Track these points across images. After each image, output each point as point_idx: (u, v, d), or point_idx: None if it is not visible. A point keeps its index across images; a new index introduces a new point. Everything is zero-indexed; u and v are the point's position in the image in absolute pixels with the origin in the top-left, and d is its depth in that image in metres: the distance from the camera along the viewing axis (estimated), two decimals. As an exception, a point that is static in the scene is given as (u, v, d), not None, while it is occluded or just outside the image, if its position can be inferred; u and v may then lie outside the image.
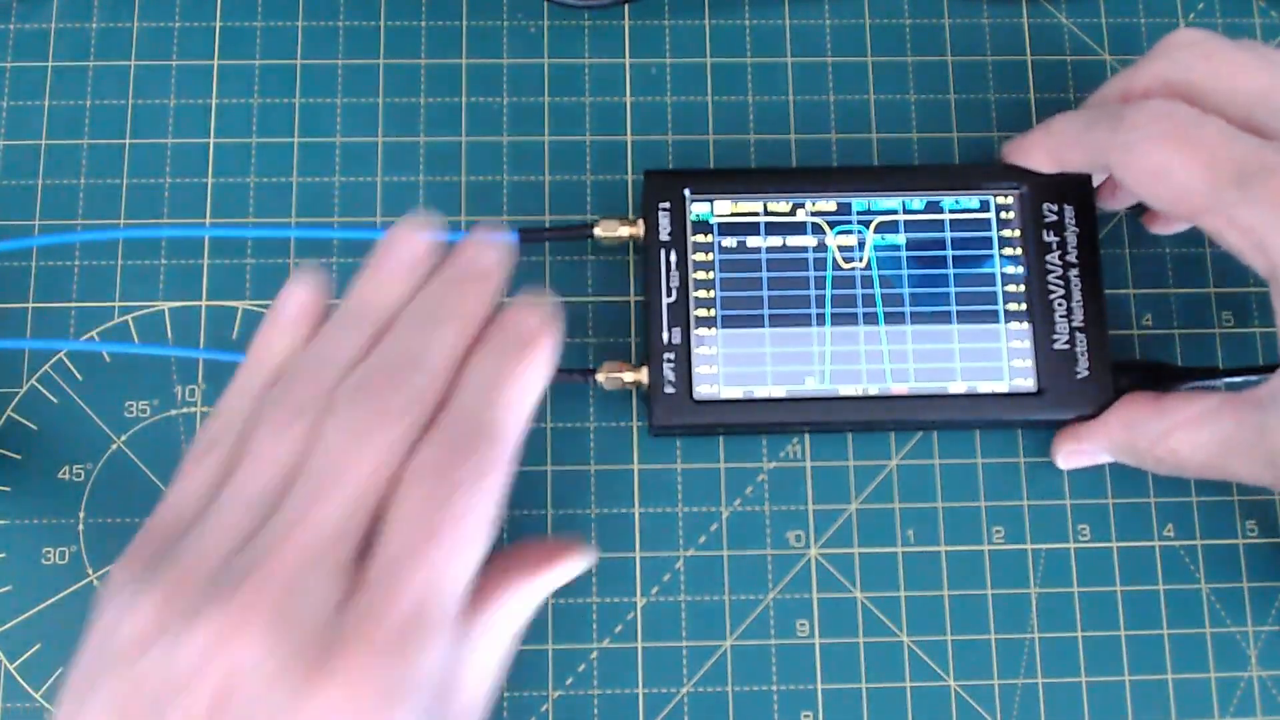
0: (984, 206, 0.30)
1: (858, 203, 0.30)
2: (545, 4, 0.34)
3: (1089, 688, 0.31)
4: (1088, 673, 0.31)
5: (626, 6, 0.34)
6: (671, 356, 0.29)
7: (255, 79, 0.33)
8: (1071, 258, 0.30)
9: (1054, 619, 0.31)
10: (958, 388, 0.30)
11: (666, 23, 0.34)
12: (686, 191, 0.30)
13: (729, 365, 0.29)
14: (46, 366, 0.32)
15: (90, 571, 0.31)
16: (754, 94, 0.34)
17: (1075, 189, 0.30)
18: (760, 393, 0.29)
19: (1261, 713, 0.31)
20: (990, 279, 0.30)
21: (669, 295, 0.29)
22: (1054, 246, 0.30)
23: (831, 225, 0.30)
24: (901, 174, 0.31)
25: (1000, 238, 0.30)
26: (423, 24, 0.34)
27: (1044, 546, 0.32)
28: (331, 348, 0.24)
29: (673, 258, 0.29)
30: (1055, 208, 0.30)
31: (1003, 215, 0.30)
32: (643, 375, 0.29)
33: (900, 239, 0.30)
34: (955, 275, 0.30)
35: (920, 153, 0.33)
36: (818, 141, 0.33)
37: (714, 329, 0.29)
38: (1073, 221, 0.30)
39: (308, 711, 0.19)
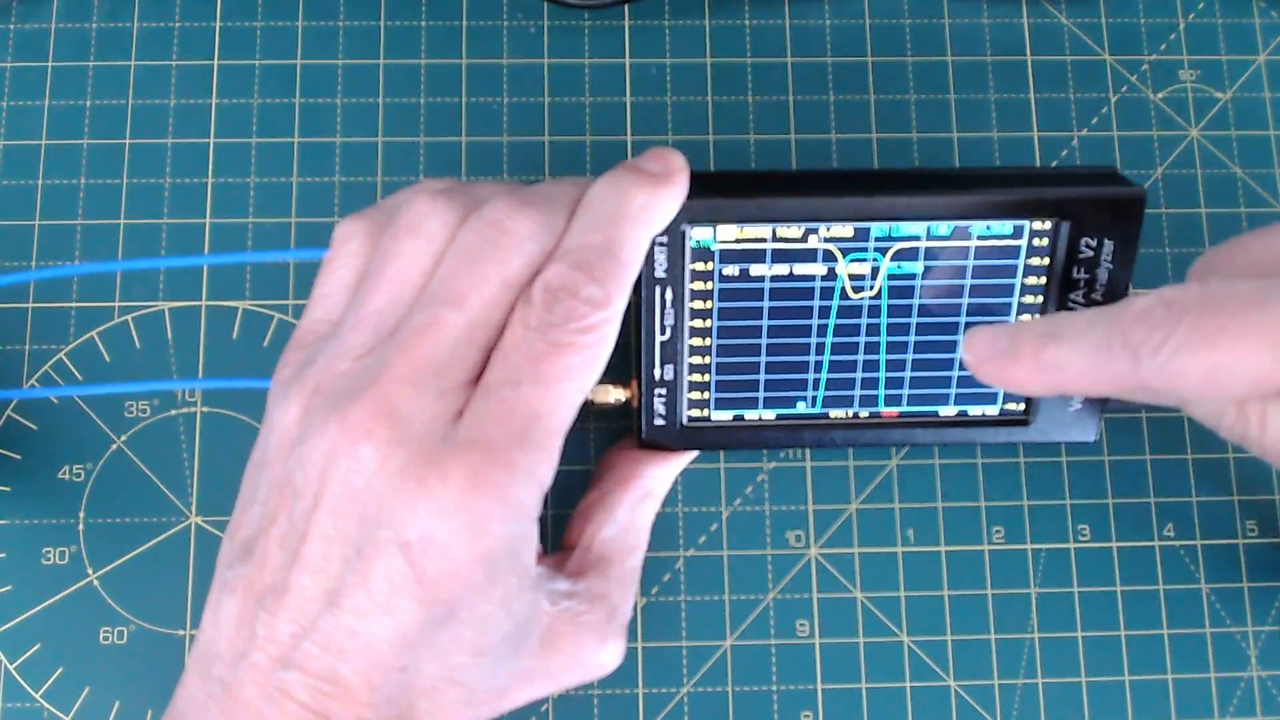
0: (1017, 233, 0.27)
1: (877, 228, 0.27)
2: (545, 4, 0.34)
3: (1089, 688, 0.31)
4: (1088, 673, 0.31)
5: (626, 6, 0.34)
6: (663, 392, 0.28)
7: (255, 79, 0.33)
8: (1097, 296, 0.27)
9: (1054, 619, 0.31)
10: (948, 412, 0.29)
11: (666, 23, 0.34)
12: (685, 228, 0.27)
13: (720, 392, 0.28)
14: (46, 366, 0.32)
15: (90, 571, 0.31)
16: (754, 94, 0.34)
17: (1125, 219, 0.27)
18: (750, 416, 0.29)
19: (1261, 713, 0.31)
20: (1005, 309, 0.28)
21: (663, 333, 0.28)
22: (1081, 284, 0.27)
23: (845, 253, 0.27)
24: (947, 182, 0.28)
25: (1026, 266, 0.27)
26: (423, 24, 0.34)
27: (1044, 546, 0.32)
28: (461, 193, 0.25)
29: (668, 295, 0.27)
30: (1094, 242, 0.27)
31: (1035, 243, 0.27)
32: (632, 394, 0.29)
33: (918, 267, 0.28)
34: (969, 305, 0.28)
35: (920, 153, 0.33)
36: (818, 141, 0.33)
37: (708, 358, 0.28)
38: (1109, 258, 0.27)
39: (421, 507, 0.22)
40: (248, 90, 0.33)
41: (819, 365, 0.28)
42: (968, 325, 0.28)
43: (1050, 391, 0.23)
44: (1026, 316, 0.28)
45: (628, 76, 0.34)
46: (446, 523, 0.22)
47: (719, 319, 0.28)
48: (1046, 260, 0.27)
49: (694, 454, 0.30)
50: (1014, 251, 0.27)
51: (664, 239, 0.27)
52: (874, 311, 0.28)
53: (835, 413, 0.29)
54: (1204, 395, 0.21)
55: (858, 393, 0.29)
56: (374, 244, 0.25)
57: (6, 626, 0.30)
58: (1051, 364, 0.22)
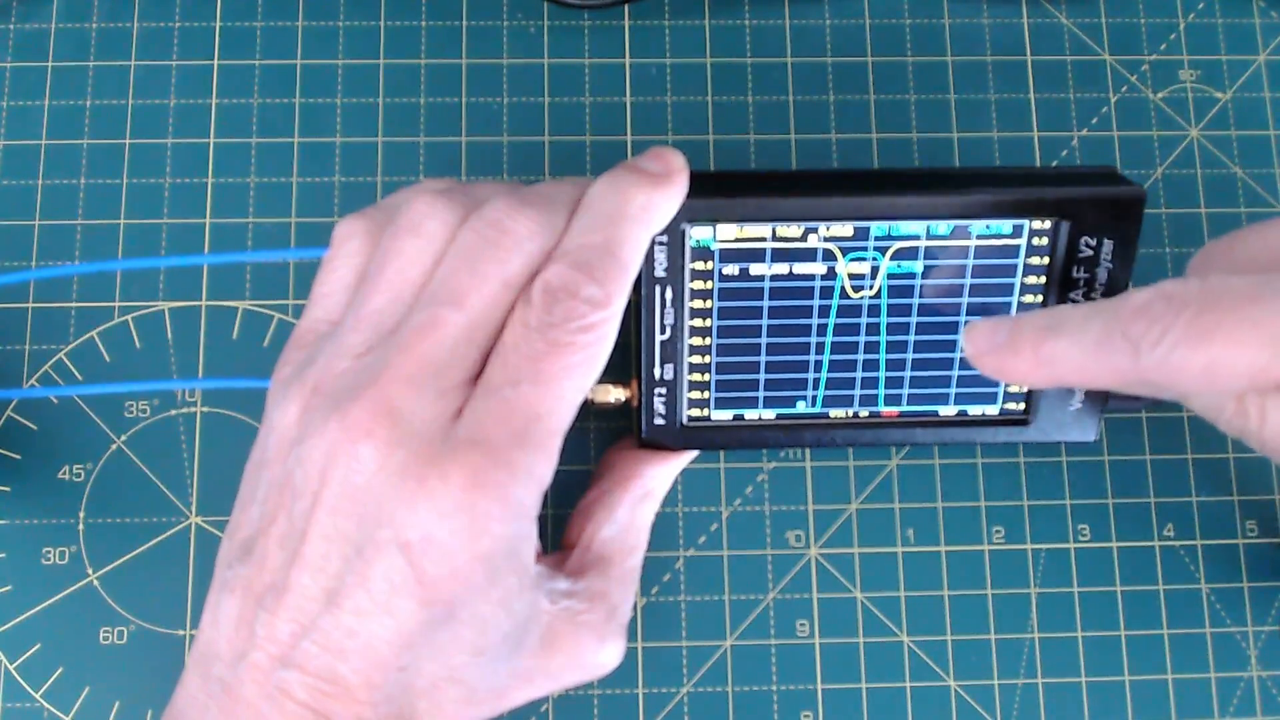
0: (1016, 232, 0.27)
1: (877, 227, 0.27)
2: (545, 4, 0.34)
3: (1089, 688, 0.31)
4: (1088, 673, 0.31)
5: (626, 6, 0.34)
6: (664, 391, 0.28)
7: (255, 79, 0.33)
8: (1096, 296, 0.27)
9: (1054, 619, 0.31)
10: (948, 411, 0.29)
11: (666, 23, 0.34)
12: (685, 227, 0.27)
13: (720, 391, 0.28)
14: (46, 366, 0.32)
15: (90, 571, 0.31)
16: (754, 94, 0.34)
17: (1124, 218, 0.27)
18: (750, 416, 0.29)
19: (1261, 713, 0.31)
20: (1005, 308, 0.28)
21: (663, 333, 0.28)
22: (1080, 284, 0.27)
23: (845, 252, 0.27)
24: (947, 182, 0.28)
25: (1026, 265, 0.27)
26: (423, 24, 0.34)
27: (1044, 546, 0.32)
28: (461, 193, 0.25)
29: (668, 295, 0.27)
30: (1094, 241, 0.27)
31: (1034, 242, 0.27)
32: (632, 394, 0.29)
33: (918, 266, 0.27)
34: (968, 304, 0.28)
35: (920, 153, 0.33)
36: (818, 141, 0.33)
37: (708, 357, 0.28)
38: (1108, 258, 0.27)
39: (420, 507, 0.22)
40: (248, 90, 0.33)
41: (819, 365, 0.28)
42: (966, 325, 0.28)
43: (1050, 384, 0.23)
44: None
45: (628, 76, 0.34)
46: (446, 522, 0.22)
47: (719, 318, 0.28)
48: (1046, 260, 0.27)
49: (694, 454, 0.30)
50: (1014, 251, 0.27)
51: (664, 238, 0.27)
52: (874, 311, 0.28)
53: (835, 412, 0.29)
54: (1203, 389, 0.21)
55: (858, 392, 0.28)
56: (374, 243, 0.25)
57: (6, 626, 0.30)
58: (1051, 357, 0.22)
